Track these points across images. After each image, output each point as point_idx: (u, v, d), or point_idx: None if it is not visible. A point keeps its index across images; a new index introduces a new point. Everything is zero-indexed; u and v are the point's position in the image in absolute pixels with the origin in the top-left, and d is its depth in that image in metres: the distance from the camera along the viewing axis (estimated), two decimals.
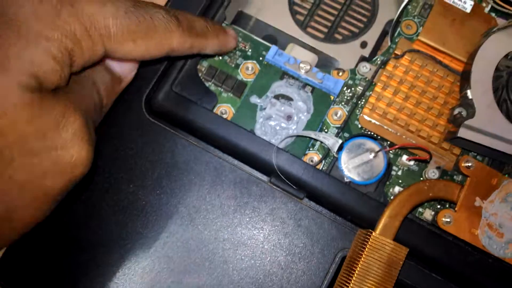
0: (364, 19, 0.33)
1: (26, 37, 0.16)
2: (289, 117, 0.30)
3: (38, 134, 0.17)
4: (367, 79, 0.30)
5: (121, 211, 0.27)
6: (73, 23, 0.18)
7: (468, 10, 0.31)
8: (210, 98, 0.30)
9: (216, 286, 0.26)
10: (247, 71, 0.30)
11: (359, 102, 0.30)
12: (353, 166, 0.28)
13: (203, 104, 0.29)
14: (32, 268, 0.27)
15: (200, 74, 0.30)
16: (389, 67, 0.30)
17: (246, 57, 0.30)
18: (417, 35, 0.31)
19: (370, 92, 0.30)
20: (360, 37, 0.33)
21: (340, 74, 0.30)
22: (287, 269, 0.26)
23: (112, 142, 0.28)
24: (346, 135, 0.30)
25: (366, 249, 0.24)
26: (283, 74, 0.30)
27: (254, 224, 0.27)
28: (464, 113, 0.28)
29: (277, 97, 0.30)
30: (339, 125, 0.30)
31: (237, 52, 0.30)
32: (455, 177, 0.29)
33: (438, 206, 0.29)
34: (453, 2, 0.31)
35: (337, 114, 0.30)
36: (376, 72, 0.30)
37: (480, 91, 0.28)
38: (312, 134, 0.28)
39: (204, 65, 0.30)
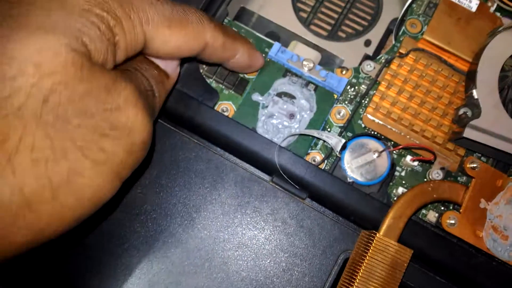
0: (368, 17, 0.33)
1: (70, 8, 0.17)
2: (291, 116, 0.29)
3: (89, 95, 0.17)
4: (371, 77, 0.30)
5: (119, 210, 0.27)
6: (112, 2, 0.18)
7: (474, 9, 0.30)
8: (212, 95, 0.29)
9: None
10: None
11: (363, 101, 0.29)
12: (356, 166, 0.28)
13: (204, 101, 0.29)
14: (29, 269, 0.26)
15: (201, 71, 0.29)
16: (393, 66, 0.30)
17: None
18: (422, 34, 0.31)
19: (374, 91, 0.29)
20: (364, 35, 0.32)
21: (344, 72, 0.30)
22: (289, 270, 0.26)
23: None
24: (349, 134, 0.29)
25: (370, 250, 0.24)
26: (286, 72, 0.30)
27: (255, 224, 0.26)
28: (469, 113, 0.27)
29: (279, 95, 0.29)
30: (342, 124, 0.29)
31: None
32: (459, 178, 0.29)
33: (442, 208, 0.28)
34: (459, 1, 0.30)
35: (340, 113, 0.29)
36: (380, 70, 0.30)
37: (486, 91, 0.27)
38: (315, 133, 0.28)
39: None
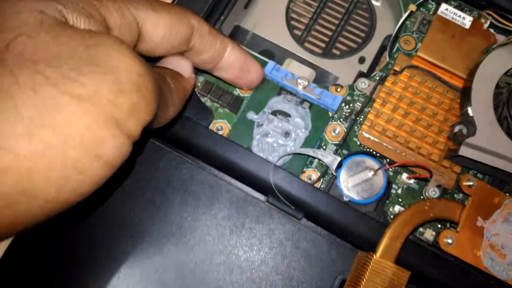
0: (362, 35, 0.33)
1: None
2: (286, 134, 0.29)
3: (58, 43, 0.17)
4: (365, 95, 0.30)
5: (112, 231, 0.26)
6: None
7: (467, 26, 0.30)
8: (206, 114, 0.29)
9: None
10: None
11: (358, 118, 0.29)
12: (352, 185, 0.28)
13: (199, 120, 0.28)
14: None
15: (196, 89, 0.29)
16: (388, 83, 0.29)
17: None
18: (416, 51, 0.31)
19: (369, 108, 0.29)
20: (358, 52, 0.33)
21: (339, 90, 0.30)
22: None
23: None
24: (345, 152, 0.29)
25: (367, 273, 0.24)
26: (281, 90, 0.30)
27: (251, 246, 0.26)
28: (464, 130, 0.27)
29: (274, 113, 0.29)
30: (337, 142, 0.29)
31: None
32: (455, 195, 0.28)
33: (439, 226, 0.28)
34: (452, 18, 0.30)
35: (336, 130, 0.29)
36: (374, 88, 0.30)
37: (481, 108, 0.27)
38: (310, 151, 0.28)
39: (200, 80, 0.30)
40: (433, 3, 0.32)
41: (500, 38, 0.30)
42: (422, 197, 0.28)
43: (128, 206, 0.27)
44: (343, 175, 0.28)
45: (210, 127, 0.29)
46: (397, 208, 0.28)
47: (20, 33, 0.16)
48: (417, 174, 0.28)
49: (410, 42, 0.31)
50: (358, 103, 0.30)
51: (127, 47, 0.18)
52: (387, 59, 0.31)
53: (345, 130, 0.29)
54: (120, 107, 0.17)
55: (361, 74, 0.32)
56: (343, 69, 0.32)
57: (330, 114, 0.29)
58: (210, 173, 0.27)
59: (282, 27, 0.33)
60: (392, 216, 0.28)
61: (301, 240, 0.26)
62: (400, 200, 0.28)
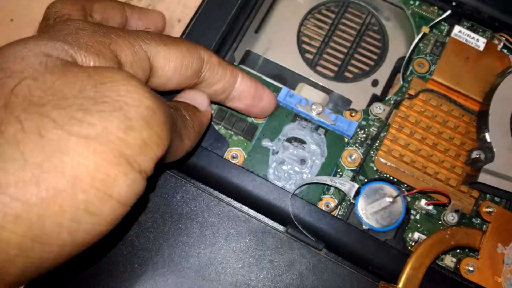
0: (375, 57, 0.33)
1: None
2: (302, 161, 0.29)
3: (64, 83, 0.17)
4: (380, 120, 0.30)
5: (127, 263, 0.26)
6: (103, 28, 0.20)
7: (481, 48, 0.30)
8: (221, 143, 0.29)
9: None
10: None
11: (374, 143, 0.29)
12: (371, 213, 0.27)
13: (214, 150, 0.28)
14: None
15: None
16: (403, 108, 0.29)
17: None
18: (430, 74, 0.30)
19: (385, 133, 0.29)
20: (371, 75, 0.32)
21: (353, 115, 0.30)
22: None
23: None
24: (362, 178, 0.29)
25: None
26: (295, 116, 0.29)
27: (272, 278, 0.25)
28: (482, 156, 0.27)
29: (289, 140, 0.29)
30: (354, 168, 0.29)
31: None
32: (473, 220, 0.28)
33: (458, 251, 0.28)
34: (466, 40, 0.30)
35: (352, 156, 0.29)
36: (390, 113, 0.29)
37: (499, 133, 0.27)
38: (328, 180, 0.27)
39: (214, 107, 0.29)
40: (446, 24, 0.32)
41: None
42: (440, 222, 0.28)
43: (145, 240, 0.26)
44: (361, 202, 0.28)
45: (225, 155, 0.29)
46: (416, 235, 0.28)
47: (24, 77, 0.16)
48: (435, 199, 0.28)
49: (423, 65, 0.31)
50: (373, 128, 0.29)
51: (137, 81, 0.18)
52: (401, 81, 0.31)
53: (362, 156, 0.29)
54: (130, 143, 0.17)
55: (374, 97, 0.32)
56: (356, 93, 0.32)
57: (346, 140, 0.29)
58: (228, 204, 0.27)
59: (293, 51, 0.33)
60: (411, 243, 0.28)
61: (322, 271, 0.25)
62: (418, 226, 0.28)
